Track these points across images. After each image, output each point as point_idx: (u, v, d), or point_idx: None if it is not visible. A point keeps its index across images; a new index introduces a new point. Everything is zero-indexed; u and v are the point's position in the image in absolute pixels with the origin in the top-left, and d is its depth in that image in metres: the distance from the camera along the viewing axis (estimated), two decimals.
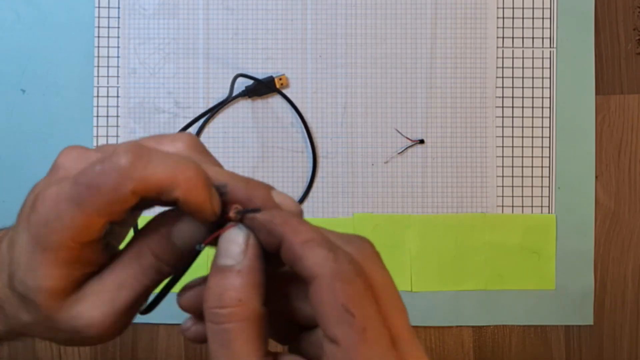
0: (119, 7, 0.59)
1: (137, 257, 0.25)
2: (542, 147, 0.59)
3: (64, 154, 0.25)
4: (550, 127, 0.59)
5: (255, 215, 0.24)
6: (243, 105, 0.59)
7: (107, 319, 0.25)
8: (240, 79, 0.58)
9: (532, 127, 0.59)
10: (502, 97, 0.59)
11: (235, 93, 0.58)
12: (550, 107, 0.59)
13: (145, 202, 0.24)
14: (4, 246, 0.26)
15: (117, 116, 0.59)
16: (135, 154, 0.22)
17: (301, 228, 0.23)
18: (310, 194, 0.59)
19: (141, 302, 0.26)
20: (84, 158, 0.25)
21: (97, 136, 0.59)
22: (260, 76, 0.58)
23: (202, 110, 0.58)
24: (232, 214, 0.24)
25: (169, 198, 0.23)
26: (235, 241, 0.23)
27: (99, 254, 0.25)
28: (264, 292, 0.24)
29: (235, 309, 0.23)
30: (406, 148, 0.59)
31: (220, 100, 0.58)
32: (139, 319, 0.63)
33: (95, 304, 0.25)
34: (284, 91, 0.58)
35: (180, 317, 0.63)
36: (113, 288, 0.25)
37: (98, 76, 0.59)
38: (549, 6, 0.60)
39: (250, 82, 0.58)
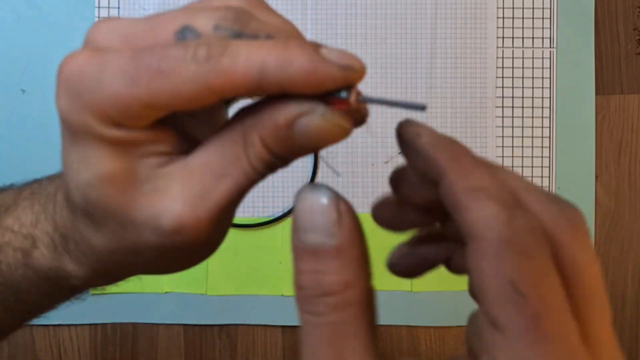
0: (119, 7, 0.59)
1: (243, 143, 0.20)
2: (542, 147, 0.59)
3: (95, 28, 0.21)
4: (550, 127, 0.59)
5: (420, 138, 0.19)
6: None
7: (201, 215, 0.20)
8: None
9: (532, 127, 0.59)
10: (502, 97, 0.59)
11: None
12: (550, 107, 0.59)
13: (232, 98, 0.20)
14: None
15: None
16: (220, 46, 0.19)
17: (473, 170, 0.18)
18: None
19: (237, 202, 0.21)
20: (126, 31, 0.20)
21: None
22: None
23: None
24: (352, 98, 0.19)
25: (268, 91, 0.19)
26: (319, 208, 0.18)
27: (161, 135, 0.21)
28: (370, 264, 0.19)
29: (342, 295, 0.18)
30: None
31: None
32: (138, 318, 0.62)
33: (182, 195, 0.20)
34: None
35: (180, 317, 0.63)
36: (208, 176, 0.20)
37: None
38: (549, 6, 0.60)
39: None
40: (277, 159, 0.20)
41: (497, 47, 0.60)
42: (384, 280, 0.58)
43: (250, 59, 0.18)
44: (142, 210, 0.20)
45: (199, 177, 0.20)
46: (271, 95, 0.19)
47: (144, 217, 0.20)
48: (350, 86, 0.19)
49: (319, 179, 0.59)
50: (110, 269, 0.23)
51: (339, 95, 0.19)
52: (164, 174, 0.20)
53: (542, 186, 0.59)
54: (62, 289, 0.26)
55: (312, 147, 0.20)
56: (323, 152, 0.59)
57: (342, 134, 0.20)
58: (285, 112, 0.19)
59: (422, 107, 0.18)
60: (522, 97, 0.59)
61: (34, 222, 0.25)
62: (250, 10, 0.21)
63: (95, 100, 0.19)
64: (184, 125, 0.22)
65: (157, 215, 0.20)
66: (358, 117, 0.22)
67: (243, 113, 0.20)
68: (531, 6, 0.59)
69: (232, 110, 0.22)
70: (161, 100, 0.19)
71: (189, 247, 0.20)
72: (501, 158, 0.59)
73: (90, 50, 0.20)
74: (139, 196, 0.20)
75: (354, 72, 0.19)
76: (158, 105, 0.19)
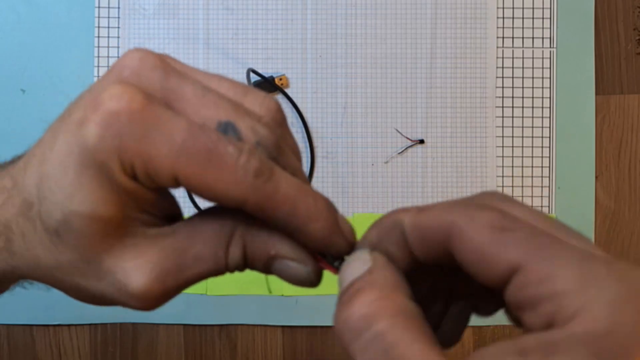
0: (119, 7, 0.59)
1: (227, 241, 0.21)
2: (542, 147, 0.59)
3: (130, 55, 0.21)
4: (550, 127, 0.59)
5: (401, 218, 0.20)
6: None
7: (168, 289, 0.20)
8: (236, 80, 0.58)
9: (532, 127, 0.59)
10: (502, 97, 0.59)
11: None
12: (550, 107, 0.59)
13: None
14: (18, 168, 0.22)
15: None
16: (269, 168, 0.20)
17: (474, 212, 0.19)
18: None
19: (188, 285, 0.22)
20: (168, 84, 0.20)
21: None
22: None
23: None
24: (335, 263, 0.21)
25: (280, 228, 0.20)
26: (360, 259, 0.20)
27: (161, 198, 0.21)
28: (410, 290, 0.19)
29: (381, 302, 0.18)
30: (406, 148, 0.59)
31: None
32: (139, 318, 0.62)
33: (158, 265, 0.20)
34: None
35: (180, 317, 0.63)
36: (187, 256, 0.21)
37: (98, 76, 0.59)
38: (549, 6, 0.60)
39: (250, 82, 0.58)
40: (244, 267, 0.22)
41: (497, 47, 0.60)
42: None
43: (288, 196, 0.20)
44: (115, 261, 0.20)
45: (180, 252, 0.20)
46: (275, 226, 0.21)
47: (113, 268, 0.20)
48: (341, 258, 0.21)
49: (319, 178, 0.59)
50: (33, 277, 0.22)
51: (331, 261, 0.21)
52: (149, 236, 0.21)
53: (542, 186, 0.60)
54: None
55: (280, 277, 0.22)
56: (323, 152, 0.59)
57: (303, 286, 0.22)
58: (282, 248, 0.21)
59: None
60: (522, 97, 0.59)
61: None
62: (282, 123, 0.22)
63: (131, 149, 0.19)
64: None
65: (128, 273, 0.20)
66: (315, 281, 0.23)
67: (240, 212, 0.21)
68: (531, 6, 0.59)
69: None
70: (192, 182, 0.19)
71: (121, 304, 0.21)
72: (501, 158, 0.59)
73: (143, 97, 0.19)
74: (118, 245, 0.20)
75: (351, 249, 0.21)
76: (187, 184, 0.19)
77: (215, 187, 0.19)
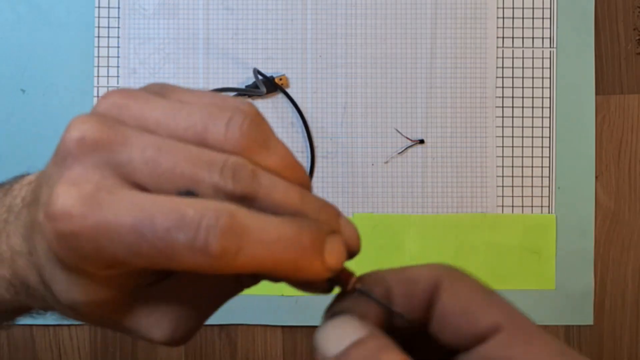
0: (119, 7, 0.59)
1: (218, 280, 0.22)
2: (542, 147, 0.59)
3: (107, 98, 0.20)
4: (550, 127, 0.59)
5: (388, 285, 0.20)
6: None
7: (183, 332, 0.21)
8: (232, 79, 0.58)
9: (532, 127, 0.59)
10: (502, 97, 0.59)
11: (234, 93, 0.58)
12: (550, 107, 0.59)
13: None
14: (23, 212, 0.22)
15: None
16: (228, 234, 0.17)
17: (459, 272, 0.20)
18: None
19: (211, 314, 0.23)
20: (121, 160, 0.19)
21: None
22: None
23: None
24: (350, 287, 0.20)
25: (270, 278, 0.21)
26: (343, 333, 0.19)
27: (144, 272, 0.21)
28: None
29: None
30: (406, 148, 0.59)
31: None
32: None
33: (170, 317, 0.21)
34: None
35: None
36: (191, 306, 0.21)
37: (98, 76, 0.59)
38: (549, 6, 0.60)
39: (250, 82, 0.58)
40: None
41: (497, 47, 0.60)
42: None
43: (264, 260, 0.18)
44: (132, 323, 0.21)
45: (183, 303, 0.21)
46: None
47: (134, 327, 0.21)
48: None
49: (318, 178, 0.59)
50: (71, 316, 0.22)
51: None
52: (153, 294, 0.21)
53: (542, 187, 0.60)
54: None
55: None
56: (323, 152, 0.59)
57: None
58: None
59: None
60: (522, 97, 0.59)
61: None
62: (255, 138, 0.19)
63: (98, 258, 0.18)
64: None
65: (149, 330, 0.21)
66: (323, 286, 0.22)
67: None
68: (531, 6, 0.59)
69: None
70: (146, 263, 0.18)
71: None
72: (501, 158, 0.59)
73: (83, 198, 0.18)
74: (129, 311, 0.21)
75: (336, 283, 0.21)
76: (159, 268, 0.18)
77: (171, 266, 0.18)
